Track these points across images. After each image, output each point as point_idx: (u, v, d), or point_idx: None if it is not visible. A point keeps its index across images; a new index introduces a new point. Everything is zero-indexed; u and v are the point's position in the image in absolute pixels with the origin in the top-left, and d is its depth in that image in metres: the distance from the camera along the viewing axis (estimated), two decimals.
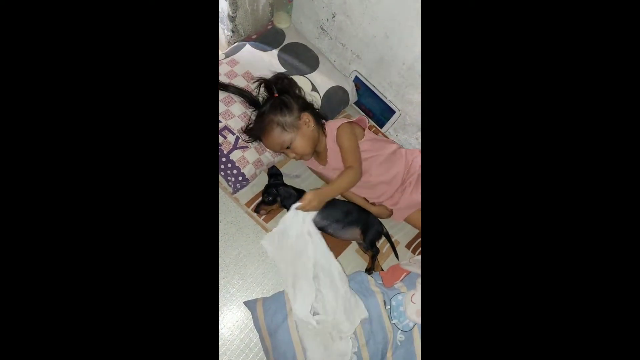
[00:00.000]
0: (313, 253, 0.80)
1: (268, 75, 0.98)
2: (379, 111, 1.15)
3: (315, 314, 0.79)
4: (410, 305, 0.81)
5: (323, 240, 0.83)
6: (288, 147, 0.91)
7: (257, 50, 1.05)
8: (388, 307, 0.83)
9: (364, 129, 0.99)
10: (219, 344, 0.84)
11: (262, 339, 0.82)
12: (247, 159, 0.93)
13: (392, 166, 0.96)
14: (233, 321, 0.87)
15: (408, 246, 1.03)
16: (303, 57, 1.09)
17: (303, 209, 0.82)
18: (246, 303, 0.86)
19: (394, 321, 0.82)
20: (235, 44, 1.07)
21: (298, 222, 0.81)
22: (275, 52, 1.07)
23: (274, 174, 0.97)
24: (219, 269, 0.91)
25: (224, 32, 1.10)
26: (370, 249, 0.94)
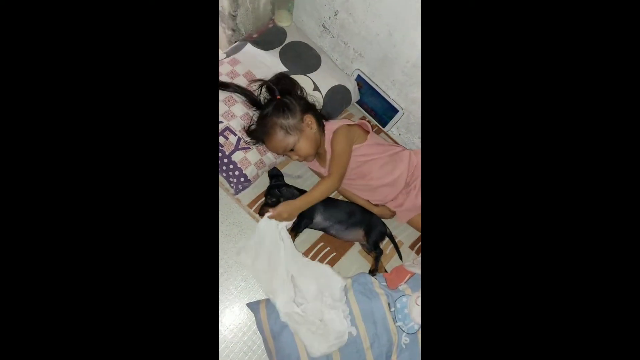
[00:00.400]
0: (284, 255, 0.83)
1: (269, 74, 0.97)
2: (381, 110, 1.14)
3: (299, 305, 0.81)
4: (415, 308, 0.80)
5: (292, 244, 0.86)
6: (291, 150, 0.90)
7: (259, 50, 1.04)
8: (392, 309, 0.82)
9: (367, 132, 0.98)
10: (222, 346, 0.83)
11: (265, 341, 0.82)
12: (249, 160, 0.92)
13: (395, 168, 0.94)
14: (236, 323, 0.86)
15: (412, 247, 1.02)
16: (305, 56, 1.07)
17: (274, 218, 0.84)
18: (249, 305, 0.85)
19: (398, 324, 0.81)
20: (236, 43, 1.06)
21: (272, 228, 0.84)
22: (276, 51, 1.06)
23: (275, 175, 0.96)
24: (222, 271, 0.90)
25: (224, 31, 1.09)
26: (374, 250, 0.93)
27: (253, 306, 0.84)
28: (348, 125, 0.94)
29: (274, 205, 0.92)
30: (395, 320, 0.81)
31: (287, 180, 0.98)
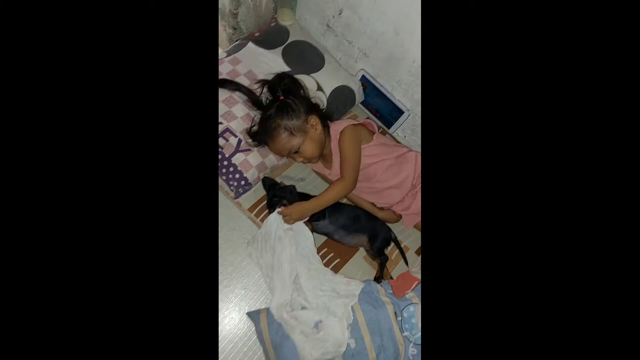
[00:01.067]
0: (289, 248, 0.83)
1: (271, 74, 0.94)
2: (386, 111, 1.11)
3: (302, 307, 0.80)
4: None
5: (309, 232, 0.85)
6: (296, 152, 0.87)
7: (260, 49, 1.01)
8: (399, 318, 0.78)
9: (373, 133, 0.95)
10: (221, 357, 0.80)
11: (265, 352, 0.78)
12: (250, 163, 0.89)
13: (401, 170, 0.92)
14: (235, 333, 0.83)
15: (418, 252, 0.99)
16: (308, 55, 1.05)
17: (285, 221, 0.84)
18: (249, 314, 0.82)
19: (405, 334, 0.77)
20: (237, 42, 1.03)
21: (280, 224, 0.84)
22: (279, 50, 1.03)
23: (271, 185, 0.92)
24: (221, 278, 0.87)
25: (225, 29, 1.06)
26: (379, 256, 0.90)
27: (253, 315, 0.80)
28: (353, 125, 0.91)
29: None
30: (402, 330, 0.77)
31: (290, 183, 0.94)
